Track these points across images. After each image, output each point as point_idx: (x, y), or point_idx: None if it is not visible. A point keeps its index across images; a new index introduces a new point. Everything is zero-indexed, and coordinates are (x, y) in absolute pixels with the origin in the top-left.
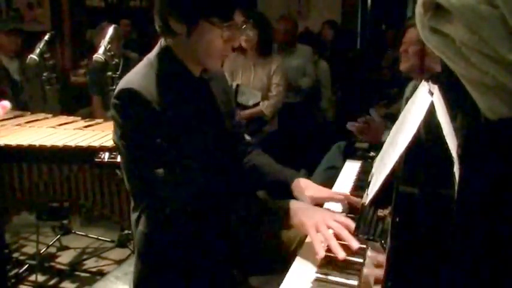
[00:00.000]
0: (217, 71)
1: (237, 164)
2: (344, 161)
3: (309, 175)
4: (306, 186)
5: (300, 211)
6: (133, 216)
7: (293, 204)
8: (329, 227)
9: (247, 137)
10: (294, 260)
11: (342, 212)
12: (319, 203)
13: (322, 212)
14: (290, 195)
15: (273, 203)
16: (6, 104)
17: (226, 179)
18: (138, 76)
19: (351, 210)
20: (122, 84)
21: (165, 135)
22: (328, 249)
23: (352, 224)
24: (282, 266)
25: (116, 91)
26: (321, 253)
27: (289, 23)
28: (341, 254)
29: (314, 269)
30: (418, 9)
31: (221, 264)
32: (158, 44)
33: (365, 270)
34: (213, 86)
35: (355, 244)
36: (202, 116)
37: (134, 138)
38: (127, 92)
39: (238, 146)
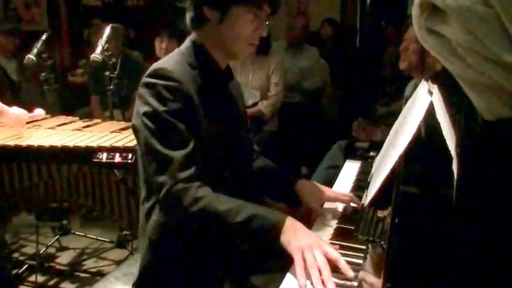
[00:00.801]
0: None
1: (247, 167)
2: (345, 161)
3: (309, 174)
4: (311, 188)
5: (291, 230)
6: (145, 206)
7: (288, 221)
8: (314, 257)
9: (255, 146)
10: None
11: (344, 211)
12: (322, 204)
13: (312, 237)
14: (295, 198)
15: (266, 216)
16: (41, 112)
17: (235, 181)
18: (171, 61)
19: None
20: (154, 66)
21: (189, 119)
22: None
23: (341, 258)
24: (283, 265)
25: (148, 71)
26: (302, 281)
27: (305, 20)
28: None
29: None
30: (415, 10)
31: (228, 259)
32: (188, 39)
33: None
34: (231, 85)
35: (331, 286)
36: (220, 111)
37: (160, 115)
38: (160, 71)
39: (250, 150)
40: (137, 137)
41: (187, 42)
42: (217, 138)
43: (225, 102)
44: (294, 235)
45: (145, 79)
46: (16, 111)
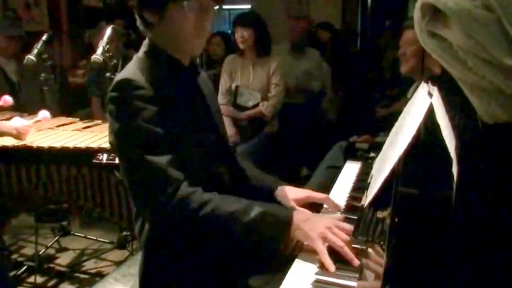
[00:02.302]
0: (202, 75)
1: (230, 161)
2: (345, 161)
3: (310, 174)
4: (288, 191)
5: (302, 222)
6: (137, 224)
7: (295, 214)
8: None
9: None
10: (293, 261)
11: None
12: (301, 204)
13: (324, 219)
14: (273, 201)
15: (275, 212)
16: (46, 114)
17: (220, 176)
18: (131, 70)
19: (348, 210)
20: (116, 78)
21: (165, 122)
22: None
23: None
24: (282, 266)
25: (111, 86)
26: (331, 267)
27: (308, 22)
28: (355, 262)
29: (313, 270)
30: (416, 13)
31: (222, 264)
32: (144, 42)
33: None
34: (200, 80)
35: (355, 263)
36: (195, 107)
37: (135, 127)
38: (123, 82)
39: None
40: (117, 154)
41: (144, 47)
42: (198, 136)
43: (196, 99)
44: (308, 225)
45: (110, 94)
46: (17, 123)
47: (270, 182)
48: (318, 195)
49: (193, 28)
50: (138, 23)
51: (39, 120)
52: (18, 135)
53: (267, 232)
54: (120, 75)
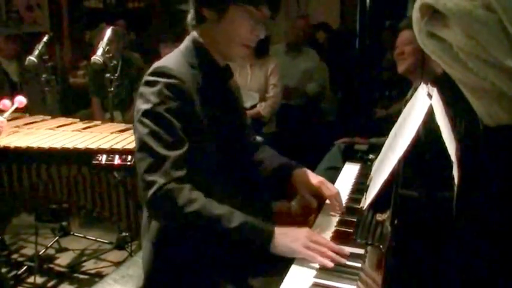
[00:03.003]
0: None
1: (248, 161)
2: (344, 163)
3: None
4: (302, 177)
5: (284, 237)
6: (146, 212)
7: (276, 229)
8: (318, 243)
9: (258, 138)
10: (291, 264)
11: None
12: (312, 193)
13: (301, 231)
14: (287, 185)
15: (256, 225)
16: (22, 99)
17: (236, 175)
18: (171, 60)
19: (348, 212)
20: (156, 64)
21: (188, 118)
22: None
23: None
24: (282, 268)
25: (149, 70)
26: (329, 263)
27: (306, 22)
28: (342, 260)
29: (312, 273)
30: (415, 13)
31: (226, 263)
32: (186, 38)
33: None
34: (231, 83)
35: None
36: (225, 106)
37: (159, 113)
38: (161, 68)
39: (251, 144)
40: (136, 133)
41: (186, 42)
42: (219, 137)
43: (226, 100)
44: (289, 239)
45: (146, 77)
46: None
47: (287, 166)
48: (328, 191)
49: (248, 34)
50: (189, 17)
51: (17, 108)
52: None
53: (246, 241)
54: (159, 63)
